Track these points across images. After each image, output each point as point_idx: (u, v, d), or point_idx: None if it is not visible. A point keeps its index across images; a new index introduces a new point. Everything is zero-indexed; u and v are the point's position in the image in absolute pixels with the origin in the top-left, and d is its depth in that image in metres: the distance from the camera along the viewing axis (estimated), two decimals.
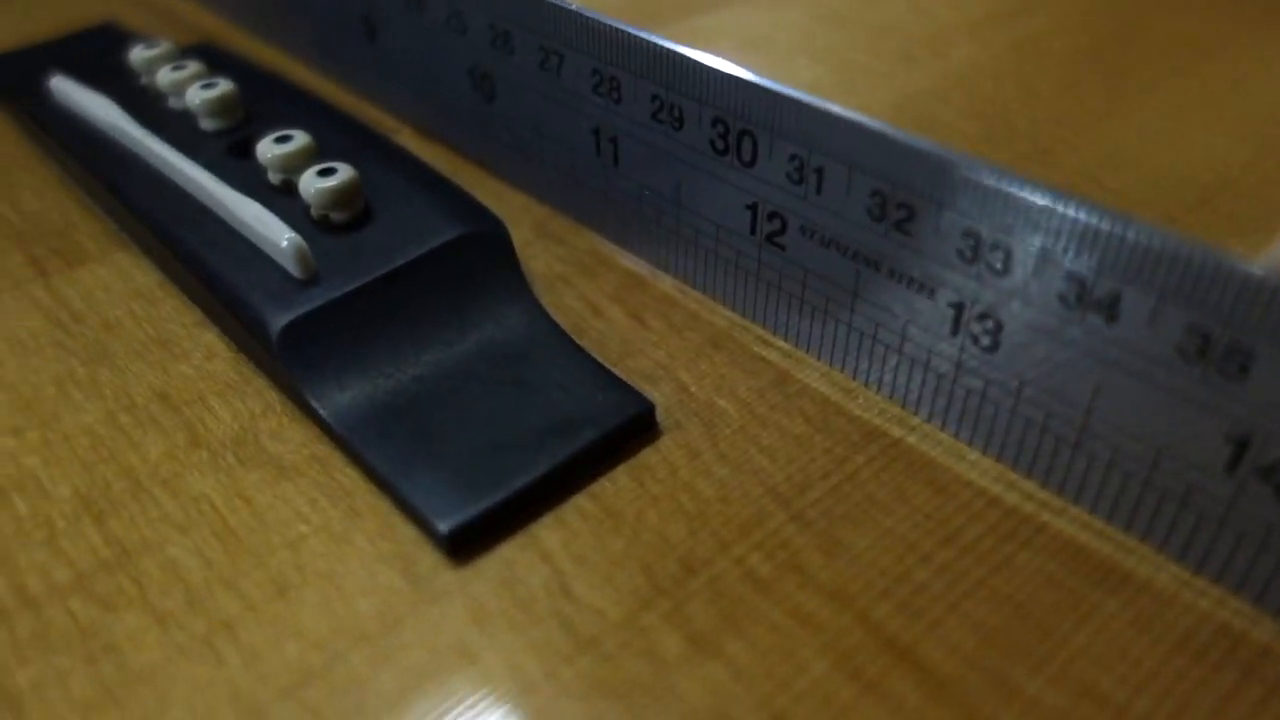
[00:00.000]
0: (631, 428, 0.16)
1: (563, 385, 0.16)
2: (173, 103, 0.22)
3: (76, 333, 0.18)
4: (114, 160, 0.21)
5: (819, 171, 0.15)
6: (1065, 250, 0.13)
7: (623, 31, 0.17)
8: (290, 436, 0.16)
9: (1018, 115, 0.24)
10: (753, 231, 0.17)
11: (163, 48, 0.23)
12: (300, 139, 0.19)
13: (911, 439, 0.16)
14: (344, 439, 0.16)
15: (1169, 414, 0.13)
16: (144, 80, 0.23)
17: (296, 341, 0.16)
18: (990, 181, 0.13)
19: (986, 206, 0.13)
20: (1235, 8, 0.29)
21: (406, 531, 0.15)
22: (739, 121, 0.16)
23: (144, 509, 0.15)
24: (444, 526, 0.14)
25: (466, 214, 0.19)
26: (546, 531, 0.15)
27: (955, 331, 0.15)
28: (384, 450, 0.15)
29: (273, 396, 0.17)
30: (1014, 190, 0.13)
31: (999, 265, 0.14)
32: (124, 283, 0.19)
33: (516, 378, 0.17)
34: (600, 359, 0.17)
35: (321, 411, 0.16)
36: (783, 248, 0.17)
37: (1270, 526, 0.13)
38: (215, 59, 0.24)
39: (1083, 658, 0.13)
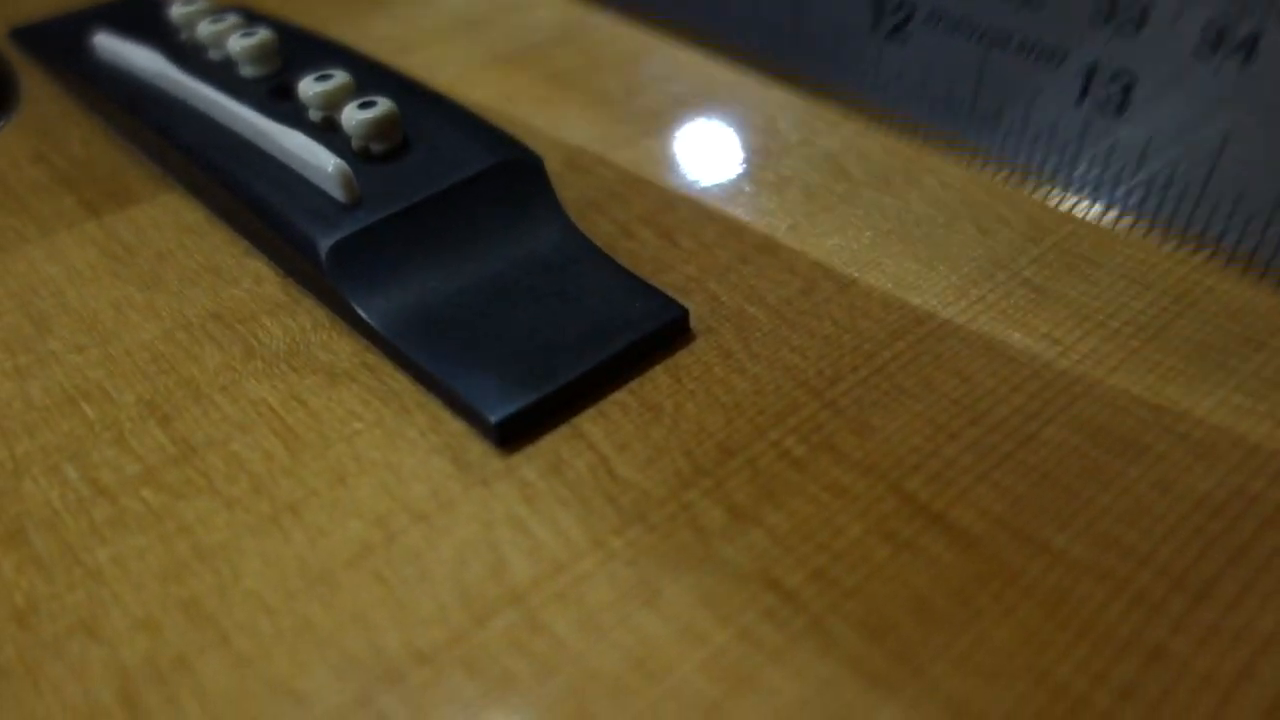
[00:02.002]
0: (667, 331, 0.17)
1: (600, 294, 0.17)
2: (213, 54, 0.23)
3: (130, 263, 0.19)
4: (160, 105, 0.21)
5: None
6: None
7: None
8: (340, 348, 0.17)
9: None
10: (875, 27, 0.17)
11: (200, 3, 0.24)
12: (340, 76, 0.20)
13: (934, 330, 0.16)
14: (393, 344, 0.16)
15: None
16: (184, 36, 0.24)
17: (344, 260, 0.17)
18: None
19: None
20: None
21: (456, 425, 0.15)
22: None
23: (205, 412, 0.16)
24: (494, 416, 0.15)
25: (501, 144, 0.19)
26: (589, 423, 0.15)
27: (1083, 97, 0.15)
28: (433, 351, 0.16)
29: (321, 314, 0.18)
30: None
31: (1135, 19, 0.14)
32: (173, 219, 0.20)
33: (556, 289, 0.17)
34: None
35: (370, 320, 0.17)
36: (905, 41, 0.17)
37: None
38: (251, 14, 0.25)
39: (1107, 516, 0.13)
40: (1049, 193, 0.18)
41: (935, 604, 0.12)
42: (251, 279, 0.19)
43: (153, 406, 0.16)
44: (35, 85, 0.25)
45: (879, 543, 0.13)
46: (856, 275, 0.18)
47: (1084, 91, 0.15)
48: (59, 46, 0.25)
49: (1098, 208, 0.16)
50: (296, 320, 0.17)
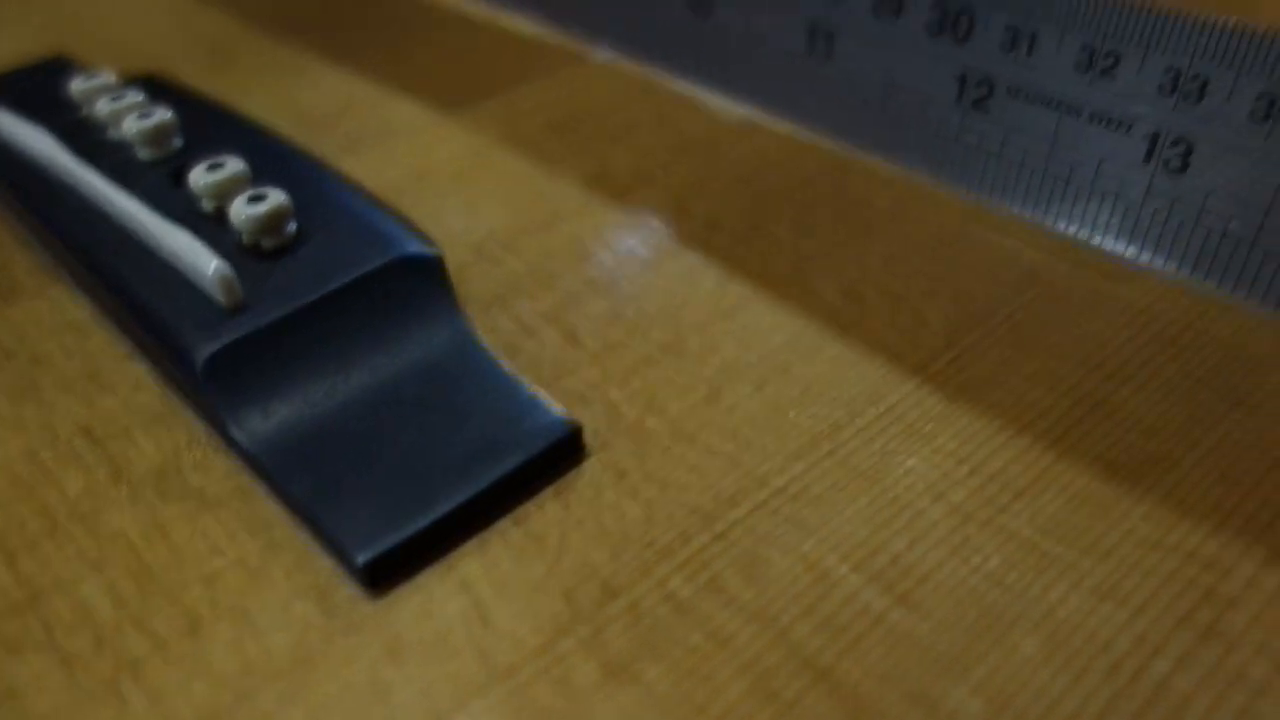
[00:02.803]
0: (558, 451, 0.16)
1: (490, 410, 0.16)
2: (112, 133, 0.22)
3: (5, 368, 0.18)
4: (48, 192, 0.20)
5: (1033, 36, 0.18)
6: (1256, 71, 0.15)
7: None
8: (214, 468, 0.16)
9: None
10: (959, 99, 0.19)
11: (103, 79, 0.23)
12: (232, 166, 0.19)
13: (835, 450, 0.16)
14: (266, 470, 0.15)
15: None
16: (85, 112, 0.23)
17: (221, 371, 0.16)
18: (1192, 23, 0.16)
19: (1187, 44, 0.16)
20: None
21: (325, 564, 0.14)
22: (956, 2, 0.19)
23: (59, 547, 0.15)
24: (361, 558, 0.14)
25: (397, 239, 0.19)
26: (468, 559, 0.14)
27: (1148, 160, 0.17)
28: (305, 480, 0.15)
29: (198, 428, 0.17)
30: (1213, 27, 0.16)
31: (1195, 94, 0.16)
32: (57, 316, 0.19)
33: (444, 403, 0.16)
34: (532, 381, 0.17)
35: (244, 442, 0.16)
36: (988, 111, 0.19)
37: None
38: (157, 90, 0.24)
39: (999, 674, 0.12)
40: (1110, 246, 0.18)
41: None
42: (130, 385, 0.18)
43: (2, 541, 0.15)
44: None
45: (761, 704, 0.12)
46: (762, 383, 0.17)
47: (1148, 154, 0.17)
48: None
49: (1154, 259, 0.18)
50: (171, 435, 0.16)
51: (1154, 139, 0.17)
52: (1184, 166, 0.17)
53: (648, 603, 0.14)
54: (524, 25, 0.29)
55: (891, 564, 0.14)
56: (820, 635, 0.13)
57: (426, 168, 0.23)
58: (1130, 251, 0.18)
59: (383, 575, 0.14)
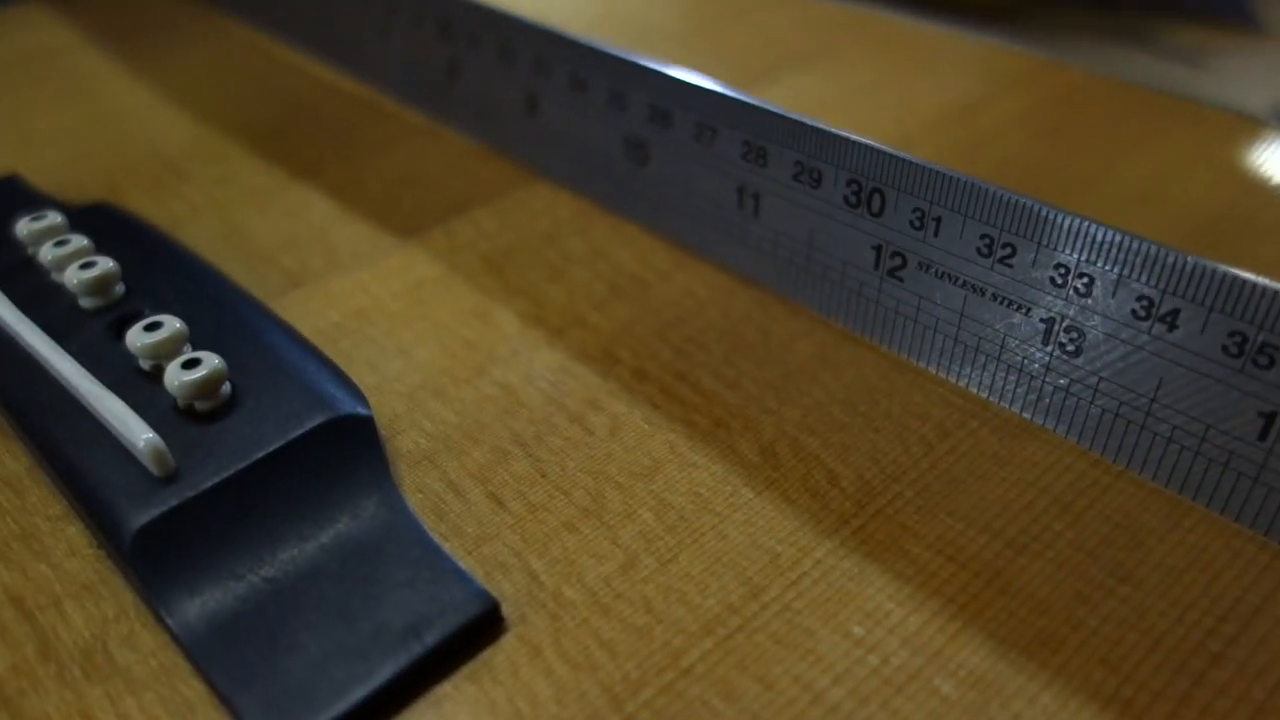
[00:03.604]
0: (476, 626, 0.16)
1: (411, 583, 0.17)
2: (55, 277, 0.22)
3: None
4: None
5: (937, 220, 0.19)
6: (1137, 276, 0.17)
7: (774, 112, 0.21)
8: (141, 644, 0.16)
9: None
10: (876, 267, 0.21)
11: (49, 219, 0.24)
12: (169, 327, 0.20)
13: (747, 623, 0.16)
14: (190, 653, 0.16)
15: (1216, 398, 0.17)
16: (29, 251, 0.23)
17: (151, 544, 0.17)
18: (1077, 225, 0.17)
19: (1074, 243, 0.18)
20: None
21: None
22: (870, 181, 0.20)
23: None
24: None
25: (330, 399, 0.19)
26: None
27: (1046, 341, 0.19)
28: (227, 663, 0.16)
29: (127, 599, 0.17)
30: (1096, 232, 0.17)
31: (1083, 289, 0.18)
32: None
33: (368, 575, 0.17)
34: (455, 547, 0.18)
35: (170, 624, 0.16)
36: (902, 280, 0.20)
37: None
38: (105, 226, 0.25)
39: None
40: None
41: None
42: (64, 550, 0.18)
43: None
44: None
45: None
46: (678, 549, 0.18)
47: (1046, 336, 0.19)
48: None
49: (1060, 430, 0.19)
50: (100, 608, 0.17)
51: (1050, 323, 0.19)
52: (1078, 350, 0.18)
53: None
54: (473, 143, 0.30)
55: None
56: None
57: (366, 307, 0.24)
58: (1034, 419, 0.19)
59: None
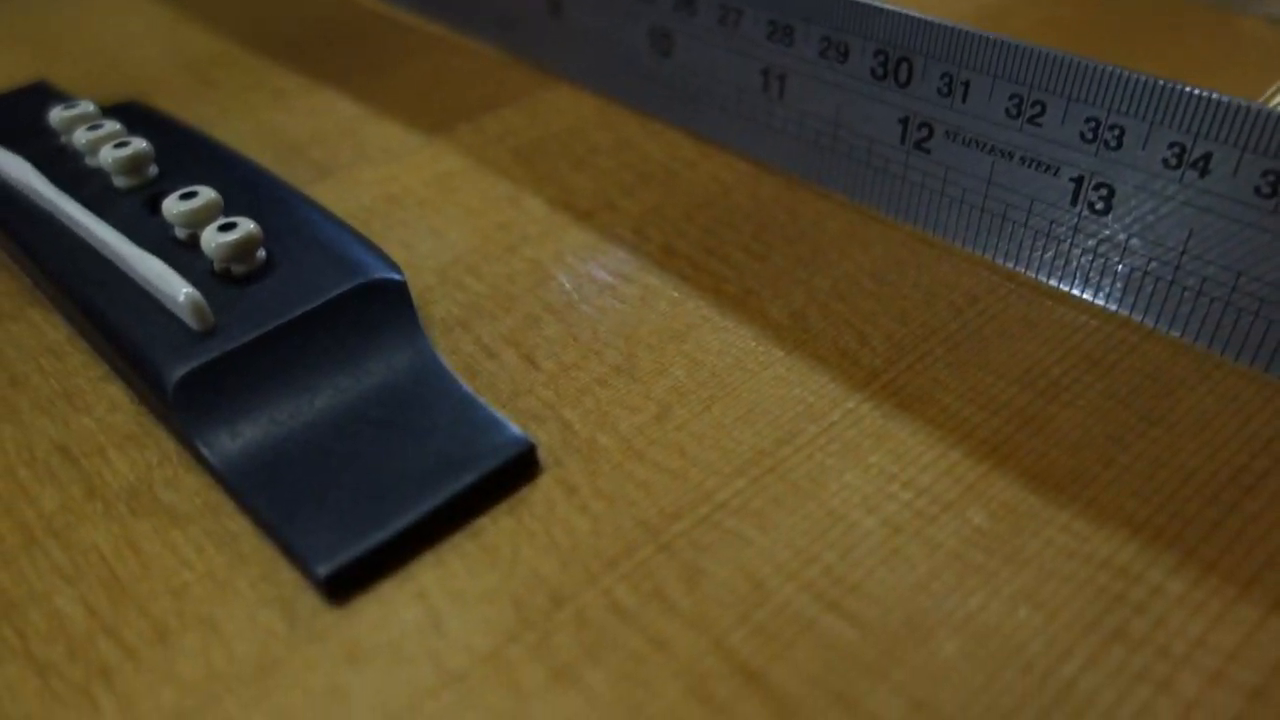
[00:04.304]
0: (513, 468, 0.17)
1: (450, 428, 0.17)
2: (89, 161, 0.23)
3: None
4: (27, 219, 0.21)
5: (966, 84, 0.19)
6: (1168, 123, 0.17)
7: None
8: (184, 485, 0.17)
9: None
10: (903, 141, 0.21)
11: (81, 108, 0.24)
12: (204, 195, 0.20)
13: (780, 464, 0.16)
14: (233, 486, 0.16)
15: (1247, 243, 0.17)
16: (63, 140, 0.24)
17: (191, 393, 0.17)
18: (1109, 73, 0.17)
19: (1105, 95, 0.17)
20: None
21: (290, 575, 0.15)
22: (897, 51, 0.20)
23: (34, 561, 0.15)
24: (322, 570, 0.15)
25: (364, 264, 0.19)
26: (425, 570, 0.15)
27: (1075, 202, 0.18)
28: (271, 496, 0.16)
29: (170, 447, 0.17)
30: (1129, 79, 0.17)
31: (1114, 142, 0.18)
32: (36, 338, 0.20)
33: (406, 421, 0.17)
34: (489, 401, 0.18)
35: (212, 460, 0.16)
36: (929, 151, 0.20)
37: None
38: (136, 118, 0.25)
39: (921, 676, 0.13)
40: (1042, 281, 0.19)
41: None
42: (105, 406, 0.18)
43: (28, 534, 0.16)
44: None
45: (695, 706, 0.13)
46: (711, 401, 0.18)
47: (1075, 196, 0.19)
48: None
49: (1088, 295, 0.19)
50: (144, 455, 0.17)
51: (1079, 182, 0.19)
52: (1107, 208, 0.18)
53: (592, 611, 0.14)
54: (495, 51, 0.30)
55: (824, 574, 0.15)
56: (753, 641, 0.14)
57: (397, 193, 0.24)
58: (1062, 285, 0.19)
59: (343, 586, 0.15)
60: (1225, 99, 0.16)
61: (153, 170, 0.22)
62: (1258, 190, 0.16)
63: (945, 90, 0.20)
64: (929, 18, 0.19)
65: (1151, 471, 0.16)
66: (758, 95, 0.23)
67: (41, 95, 0.28)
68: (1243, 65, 0.27)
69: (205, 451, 0.17)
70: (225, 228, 0.19)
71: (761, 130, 0.24)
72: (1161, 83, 0.17)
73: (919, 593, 0.14)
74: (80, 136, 0.23)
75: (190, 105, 0.28)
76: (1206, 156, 0.17)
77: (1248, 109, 0.16)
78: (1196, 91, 0.17)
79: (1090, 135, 0.18)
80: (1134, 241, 0.18)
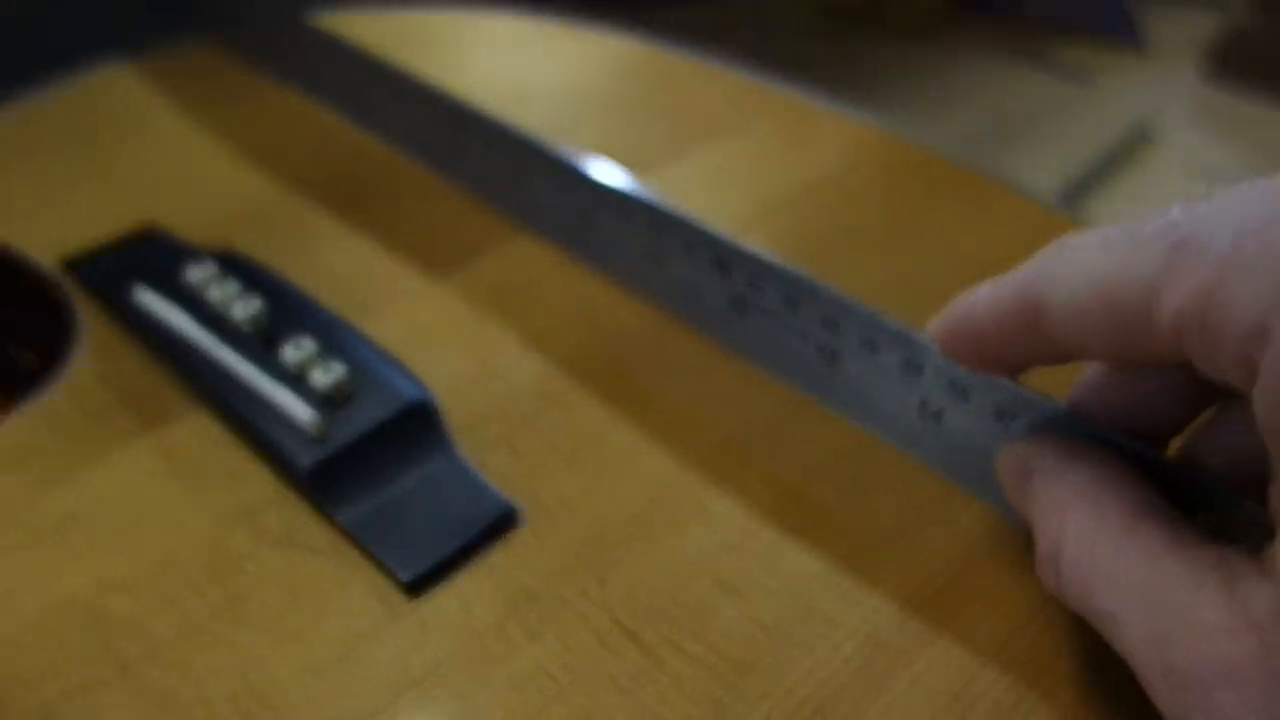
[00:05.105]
0: (499, 522, 0.29)
1: (462, 494, 0.30)
2: (219, 310, 0.35)
3: (170, 470, 0.31)
4: (186, 351, 0.33)
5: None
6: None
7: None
8: (314, 530, 0.29)
9: None
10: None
11: (206, 269, 0.36)
12: (306, 346, 0.32)
13: None
14: (343, 525, 0.29)
15: None
16: (200, 293, 0.36)
17: (317, 474, 0.30)
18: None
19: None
20: None
21: (382, 578, 0.28)
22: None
23: (242, 572, 0.28)
24: (405, 576, 0.27)
25: (408, 389, 0.32)
26: (460, 575, 0.28)
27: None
28: (369, 530, 0.29)
29: (302, 506, 0.30)
30: None
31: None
32: (203, 433, 0.32)
33: (439, 491, 0.30)
34: (484, 473, 0.31)
35: (335, 515, 0.29)
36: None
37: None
38: (238, 268, 0.37)
39: None
40: None
41: None
42: (259, 483, 0.31)
43: (213, 570, 0.28)
44: (89, 313, 0.37)
45: None
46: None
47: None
48: (103, 283, 0.37)
49: None
50: (283, 513, 0.30)
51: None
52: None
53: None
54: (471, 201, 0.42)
55: None
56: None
57: (417, 329, 0.36)
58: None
59: (418, 586, 0.28)
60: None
61: (264, 318, 0.34)
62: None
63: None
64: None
65: None
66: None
67: (159, 242, 0.39)
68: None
69: (328, 508, 0.29)
70: (325, 370, 0.31)
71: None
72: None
73: None
74: (213, 293, 0.35)
75: (261, 249, 0.40)
76: (939, 412, 0.30)
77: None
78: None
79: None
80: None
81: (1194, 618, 0.18)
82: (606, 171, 0.36)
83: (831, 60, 1.36)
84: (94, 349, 0.35)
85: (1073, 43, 1.37)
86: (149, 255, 0.38)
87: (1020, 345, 0.23)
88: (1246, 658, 0.17)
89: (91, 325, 0.36)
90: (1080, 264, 0.20)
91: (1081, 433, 0.24)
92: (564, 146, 0.38)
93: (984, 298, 0.23)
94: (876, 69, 1.31)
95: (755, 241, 0.33)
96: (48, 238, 0.40)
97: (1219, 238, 0.18)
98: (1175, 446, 0.25)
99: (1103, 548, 0.21)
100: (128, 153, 0.46)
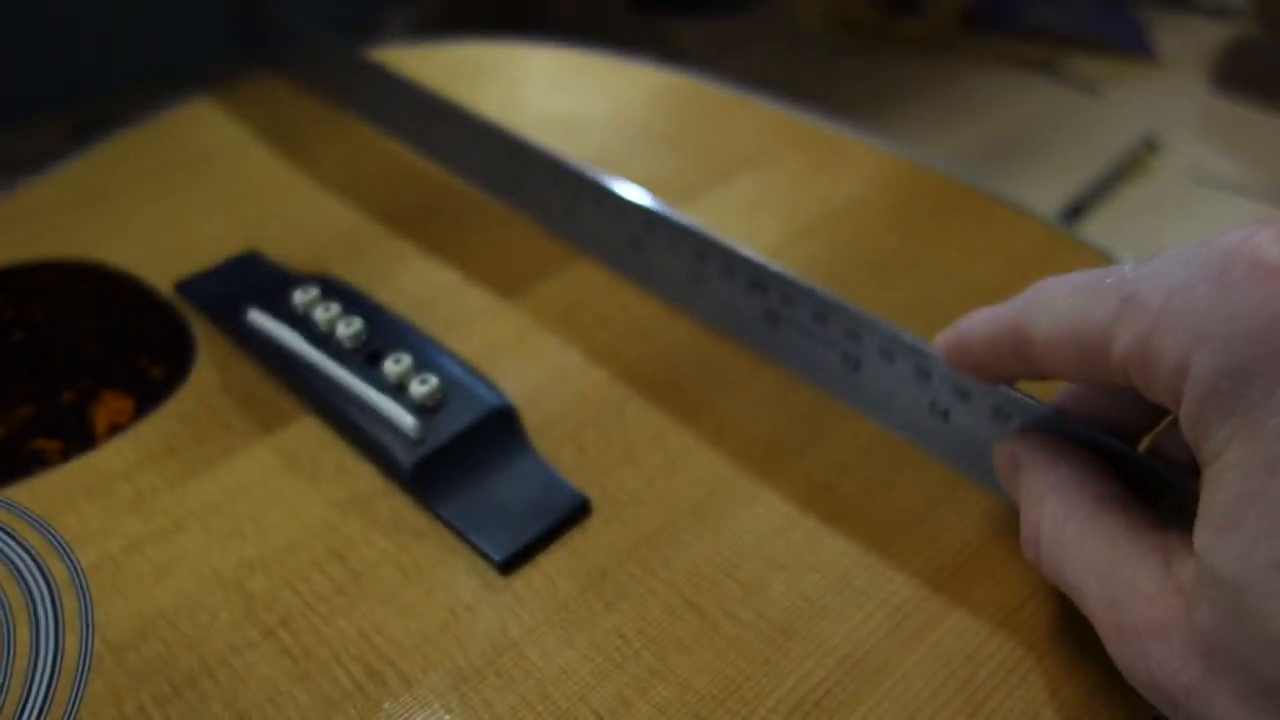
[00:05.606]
0: (575, 512, 0.34)
1: (539, 485, 0.35)
2: (324, 329, 0.40)
3: (288, 473, 0.36)
4: (296, 366, 0.38)
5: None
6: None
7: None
8: (414, 516, 0.34)
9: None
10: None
11: (310, 292, 0.41)
12: (404, 360, 0.37)
13: None
14: (443, 516, 0.34)
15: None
16: (305, 313, 0.41)
17: (419, 472, 0.35)
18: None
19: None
20: None
21: (477, 561, 0.33)
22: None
23: (357, 552, 0.33)
24: (498, 557, 0.32)
25: (491, 396, 0.37)
26: (546, 555, 0.33)
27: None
28: (465, 518, 0.34)
29: (403, 498, 0.35)
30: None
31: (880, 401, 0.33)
32: (315, 436, 0.37)
33: (523, 485, 0.35)
34: (558, 468, 0.35)
35: (437, 509, 0.34)
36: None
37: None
38: (336, 290, 0.42)
39: None
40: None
41: None
42: (366, 477, 0.36)
43: (334, 551, 0.33)
44: (204, 331, 0.42)
45: None
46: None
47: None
48: (215, 304, 0.42)
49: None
50: (390, 502, 0.35)
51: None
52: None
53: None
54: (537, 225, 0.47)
55: None
56: None
57: (494, 344, 0.41)
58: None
59: (509, 565, 0.32)
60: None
61: (364, 336, 0.39)
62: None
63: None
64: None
65: None
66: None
67: (259, 264, 0.45)
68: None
69: (427, 500, 0.34)
70: (421, 381, 0.36)
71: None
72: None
73: None
74: (319, 315, 0.40)
75: (352, 272, 0.45)
76: (946, 410, 0.35)
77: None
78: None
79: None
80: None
81: (1136, 587, 0.23)
82: (653, 201, 0.41)
83: (847, 74, 1.41)
84: (213, 362, 0.40)
85: (1082, 54, 1.42)
86: (252, 278, 0.44)
87: (1009, 365, 0.28)
88: (1173, 617, 0.22)
89: (208, 341, 0.41)
90: (1056, 306, 0.25)
91: (1066, 432, 0.29)
92: (613, 177, 0.43)
93: (980, 324, 0.28)
94: (891, 82, 1.36)
95: (786, 263, 0.38)
96: (159, 262, 0.45)
97: (1155, 294, 0.22)
98: (1146, 442, 0.29)
99: (1071, 532, 0.26)
100: (221, 180, 0.51)
